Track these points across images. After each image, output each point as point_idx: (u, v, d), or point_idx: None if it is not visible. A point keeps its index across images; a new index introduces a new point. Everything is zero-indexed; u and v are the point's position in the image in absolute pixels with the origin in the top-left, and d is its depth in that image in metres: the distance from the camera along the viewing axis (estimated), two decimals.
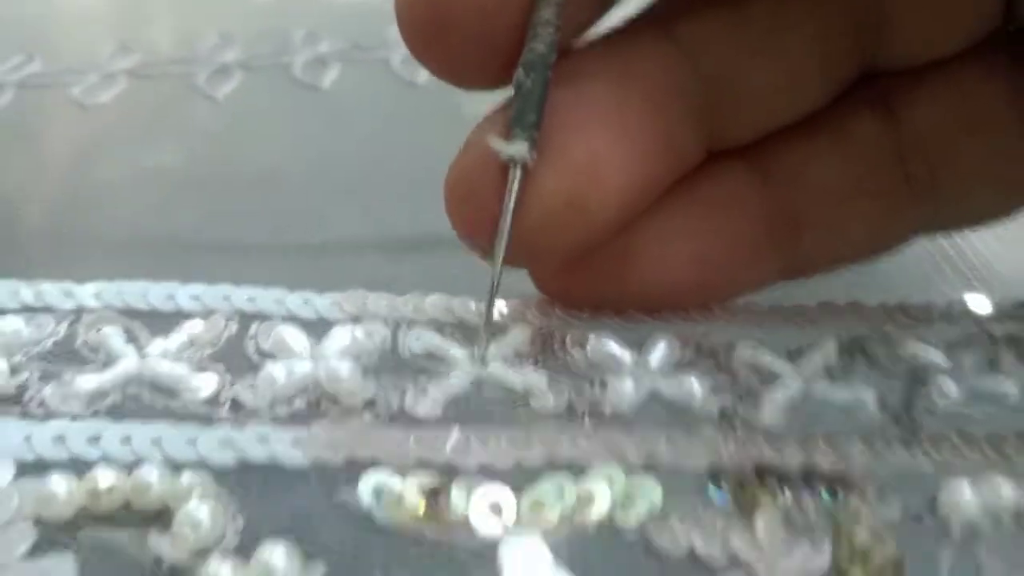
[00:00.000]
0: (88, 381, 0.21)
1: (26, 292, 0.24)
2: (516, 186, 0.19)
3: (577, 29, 0.21)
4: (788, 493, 0.19)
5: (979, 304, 0.25)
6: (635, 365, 0.22)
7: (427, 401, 0.21)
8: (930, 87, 0.22)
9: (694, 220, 0.22)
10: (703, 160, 0.22)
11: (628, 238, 0.22)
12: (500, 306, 0.24)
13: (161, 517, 0.18)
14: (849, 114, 0.22)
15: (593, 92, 0.20)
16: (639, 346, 0.23)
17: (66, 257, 0.26)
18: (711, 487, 0.19)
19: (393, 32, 0.42)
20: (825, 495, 0.19)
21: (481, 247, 0.21)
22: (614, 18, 0.22)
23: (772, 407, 0.21)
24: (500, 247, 0.20)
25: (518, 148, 0.19)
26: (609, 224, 0.21)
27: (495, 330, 0.23)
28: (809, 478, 0.19)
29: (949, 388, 0.22)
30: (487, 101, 0.21)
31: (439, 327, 0.23)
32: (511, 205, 0.20)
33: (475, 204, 0.20)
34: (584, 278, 0.23)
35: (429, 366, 0.22)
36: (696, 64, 0.21)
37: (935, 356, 0.23)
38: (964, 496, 0.19)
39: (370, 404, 0.21)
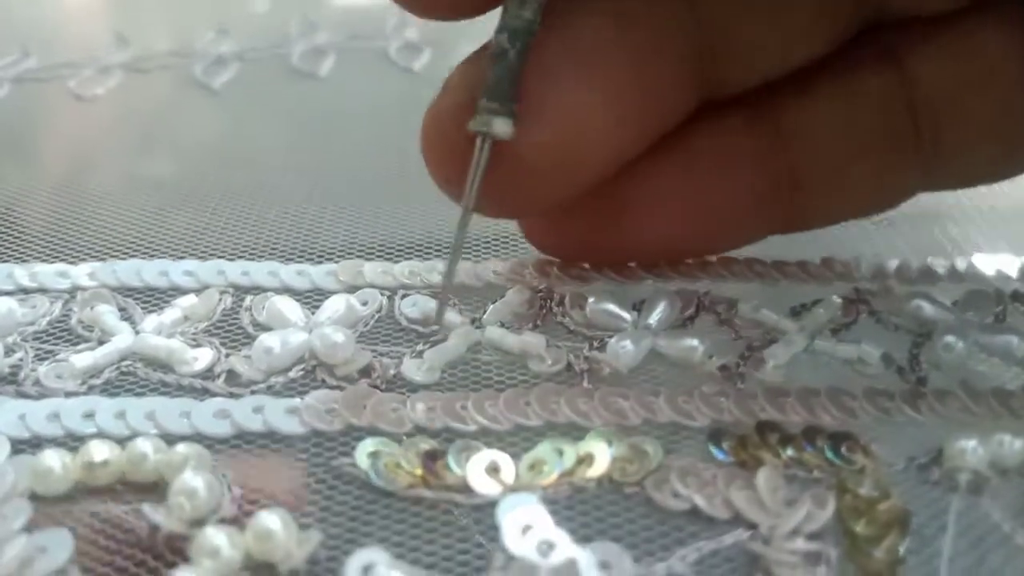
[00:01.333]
0: (83, 358, 0.21)
1: (20, 273, 0.24)
2: (485, 157, 0.19)
3: None
4: (790, 450, 0.19)
5: (985, 262, 0.25)
6: (635, 324, 0.22)
7: (424, 366, 0.21)
8: (941, 41, 0.21)
9: (691, 174, 0.22)
10: (699, 109, 0.22)
11: (622, 190, 0.21)
12: (491, 267, 0.24)
13: (157, 488, 0.18)
14: (857, 68, 0.22)
15: (582, 36, 0.20)
16: (639, 305, 0.23)
17: (63, 254, 0.26)
18: (711, 446, 0.19)
19: (391, 22, 0.42)
20: (828, 451, 0.19)
21: (457, 195, 0.20)
22: None
23: (774, 363, 0.21)
24: (465, 221, 0.20)
25: (500, 126, 0.19)
26: (594, 175, 0.20)
27: (491, 294, 0.23)
28: (811, 434, 0.19)
29: (955, 343, 0.22)
30: None
31: (435, 293, 0.23)
32: (478, 177, 0.19)
33: (450, 151, 0.20)
34: (576, 230, 0.23)
35: (426, 332, 0.22)
36: (692, 8, 0.20)
37: (941, 311, 0.23)
38: (970, 450, 0.19)
39: (366, 371, 0.21)
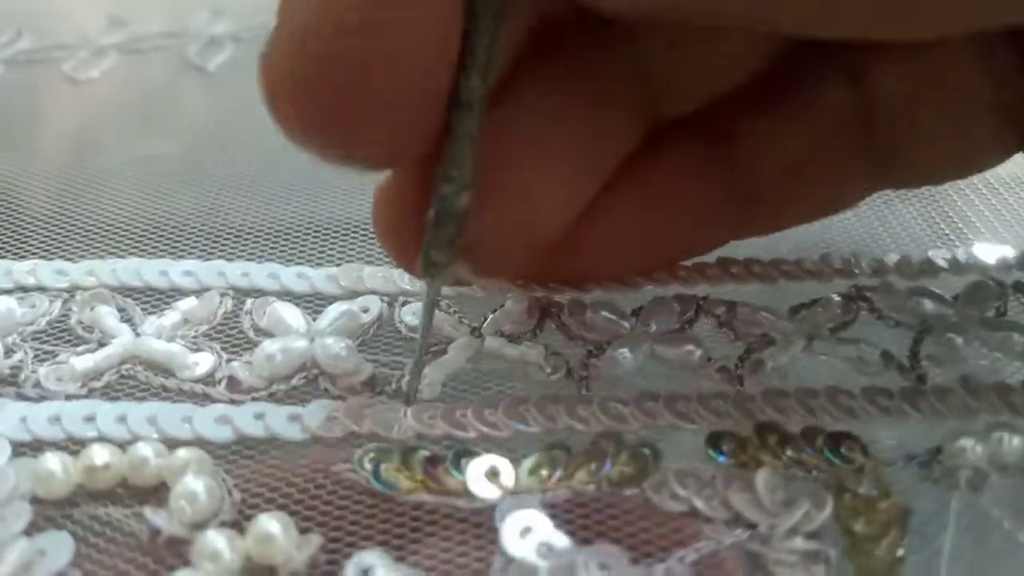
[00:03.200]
0: (83, 361, 0.21)
1: (19, 271, 0.24)
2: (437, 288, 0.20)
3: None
4: (790, 451, 0.19)
5: (986, 253, 0.25)
6: (633, 330, 0.22)
7: (425, 382, 0.21)
8: (904, 50, 0.21)
9: (648, 199, 0.22)
10: (647, 132, 0.21)
11: (581, 220, 0.21)
12: None
13: (158, 492, 0.18)
14: (817, 81, 0.21)
15: (531, 104, 0.19)
16: (637, 311, 0.22)
17: (61, 238, 0.26)
18: (711, 450, 0.19)
19: None
20: (827, 451, 0.19)
21: (412, 271, 0.20)
22: None
23: (773, 365, 0.21)
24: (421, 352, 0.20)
25: (449, 274, 0.19)
26: (554, 235, 0.20)
27: (490, 304, 0.22)
28: (811, 435, 0.19)
29: (955, 339, 0.22)
30: None
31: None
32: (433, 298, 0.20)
33: (405, 239, 0.19)
34: (536, 265, 0.22)
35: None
36: (631, 45, 0.20)
37: (941, 307, 0.22)
38: (970, 447, 0.19)
39: (367, 380, 0.21)
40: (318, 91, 0.16)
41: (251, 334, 0.22)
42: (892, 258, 0.24)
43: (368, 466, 0.19)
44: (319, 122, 0.17)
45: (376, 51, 0.15)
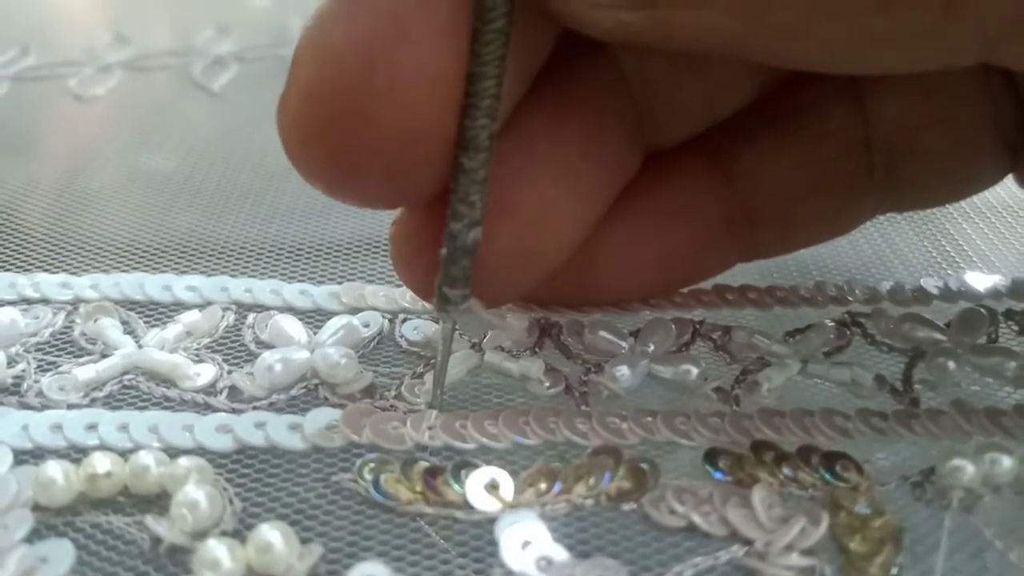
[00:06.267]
0: (85, 371, 0.21)
1: (23, 283, 0.24)
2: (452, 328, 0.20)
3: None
4: (786, 469, 0.19)
5: (977, 281, 0.25)
6: (631, 349, 0.22)
7: (424, 388, 0.21)
8: (902, 75, 0.21)
9: (655, 224, 0.22)
10: (652, 158, 0.22)
11: (590, 246, 0.21)
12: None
13: (159, 501, 0.18)
14: (818, 105, 0.22)
15: (532, 135, 0.19)
16: (635, 333, 0.23)
17: (65, 252, 0.26)
18: (708, 466, 0.19)
19: None
20: (822, 470, 0.19)
21: (427, 300, 0.21)
22: None
23: (769, 386, 0.21)
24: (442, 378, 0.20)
25: (464, 309, 0.19)
26: (564, 257, 0.20)
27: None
28: (806, 453, 0.19)
29: (947, 364, 0.22)
30: None
31: (436, 317, 0.23)
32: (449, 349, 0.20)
33: (422, 275, 0.20)
34: (548, 287, 0.22)
35: (426, 355, 0.22)
36: (623, 75, 0.20)
37: (933, 333, 0.23)
38: (962, 468, 0.19)
39: (368, 392, 0.21)
40: (325, 138, 0.17)
41: (253, 347, 0.23)
42: (885, 285, 0.25)
43: (368, 476, 0.19)
44: (328, 167, 0.17)
45: (377, 100, 0.16)
